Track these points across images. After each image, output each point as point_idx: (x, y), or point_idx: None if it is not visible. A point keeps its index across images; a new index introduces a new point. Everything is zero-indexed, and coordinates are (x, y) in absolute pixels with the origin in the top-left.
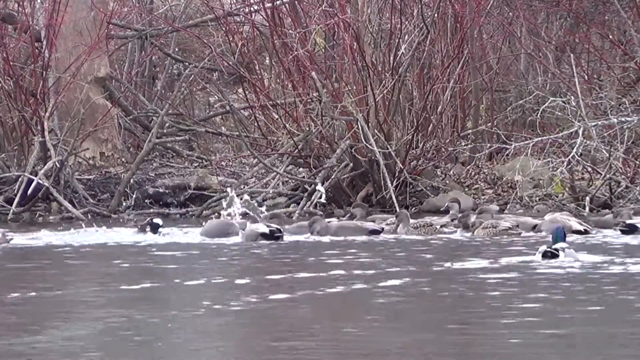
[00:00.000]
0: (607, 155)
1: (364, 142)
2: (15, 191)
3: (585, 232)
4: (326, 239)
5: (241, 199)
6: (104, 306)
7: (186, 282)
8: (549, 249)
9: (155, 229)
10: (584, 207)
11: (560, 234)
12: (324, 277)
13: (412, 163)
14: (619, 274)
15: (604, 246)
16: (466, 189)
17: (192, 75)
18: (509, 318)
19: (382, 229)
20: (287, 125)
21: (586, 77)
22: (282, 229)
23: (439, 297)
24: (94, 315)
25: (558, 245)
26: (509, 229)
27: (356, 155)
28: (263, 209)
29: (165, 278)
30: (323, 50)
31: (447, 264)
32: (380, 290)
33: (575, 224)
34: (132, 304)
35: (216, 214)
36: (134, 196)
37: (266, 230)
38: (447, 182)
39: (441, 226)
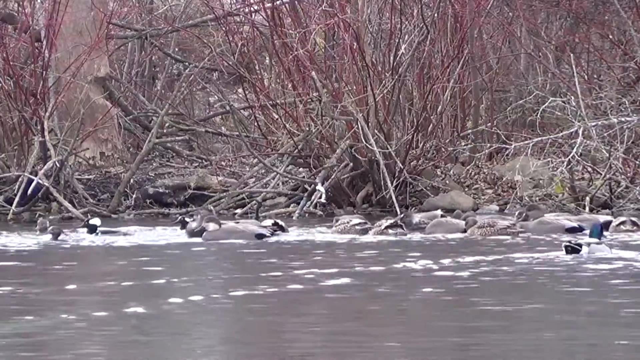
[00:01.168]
0: (607, 155)
1: (364, 142)
2: (15, 191)
3: (579, 227)
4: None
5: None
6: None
7: (156, 280)
8: (569, 244)
9: (92, 230)
10: (584, 207)
11: (596, 230)
12: (293, 275)
13: (412, 163)
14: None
15: None
16: (466, 189)
17: (192, 75)
18: (503, 321)
19: (272, 232)
20: (287, 125)
21: (586, 77)
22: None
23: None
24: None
25: (585, 241)
26: (508, 227)
27: (356, 155)
28: None
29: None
30: (323, 50)
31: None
32: (344, 289)
33: (567, 222)
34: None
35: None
36: (134, 196)
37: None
38: (447, 182)
39: (385, 227)
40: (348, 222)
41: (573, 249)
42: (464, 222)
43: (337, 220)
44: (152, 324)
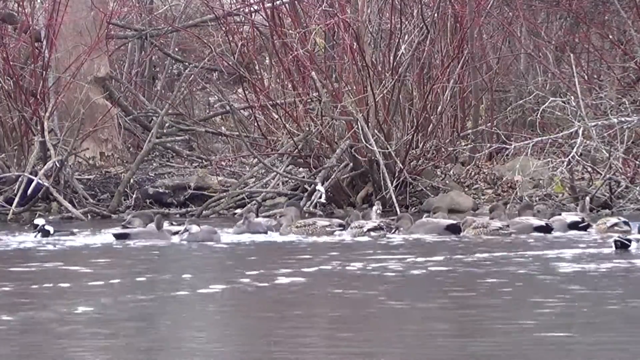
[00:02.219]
0: (607, 155)
1: (364, 142)
2: (15, 191)
3: (547, 227)
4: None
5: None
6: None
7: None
8: (619, 239)
9: (45, 231)
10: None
11: None
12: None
13: (412, 163)
14: None
15: None
16: (466, 189)
17: (192, 75)
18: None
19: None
20: (287, 125)
21: (586, 77)
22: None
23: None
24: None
25: (634, 236)
26: (500, 229)
27: (356, 155)
28: None
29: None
30: (323, 50)
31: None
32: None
33: (535, 221)
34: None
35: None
36: (134, 196)
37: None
38: (447, 182)
39: (367, 230)
40: (313, 224)
41: (622, 244)
42: (446, 222)
43: (299, 220)
44: (138, 323)
